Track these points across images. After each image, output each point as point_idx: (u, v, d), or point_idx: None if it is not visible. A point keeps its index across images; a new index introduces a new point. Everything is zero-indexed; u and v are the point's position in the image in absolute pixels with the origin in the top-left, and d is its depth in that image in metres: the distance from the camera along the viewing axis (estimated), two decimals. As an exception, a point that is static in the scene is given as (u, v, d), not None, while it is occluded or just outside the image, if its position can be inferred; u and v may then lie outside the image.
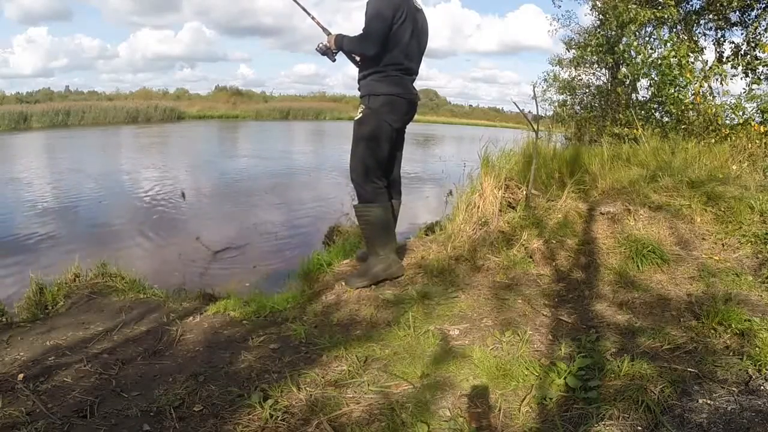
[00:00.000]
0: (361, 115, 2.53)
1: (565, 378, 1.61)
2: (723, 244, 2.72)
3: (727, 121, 5.31)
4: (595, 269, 2.58)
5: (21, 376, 1.79)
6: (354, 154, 2.57)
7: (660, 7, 6.30)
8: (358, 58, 2.61)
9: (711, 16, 6.55)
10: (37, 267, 3.43)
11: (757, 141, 4.56)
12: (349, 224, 4.42)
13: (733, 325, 1.86)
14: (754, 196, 2.95)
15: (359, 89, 2.59)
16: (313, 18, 2.76)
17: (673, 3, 6.21)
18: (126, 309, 2.62)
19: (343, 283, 2.65)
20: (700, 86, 5.53)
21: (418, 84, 2.71)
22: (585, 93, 8.95)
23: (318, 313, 2.40)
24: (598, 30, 7.80)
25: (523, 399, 1.57)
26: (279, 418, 1.49)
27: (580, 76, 8.96)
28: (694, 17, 6.65)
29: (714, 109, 5.35)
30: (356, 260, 3.03)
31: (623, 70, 6.76)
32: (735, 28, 6.62)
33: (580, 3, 14.54)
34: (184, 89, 46.16)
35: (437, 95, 64.35)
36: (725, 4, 6.15)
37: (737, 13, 6.44)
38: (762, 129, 4.81)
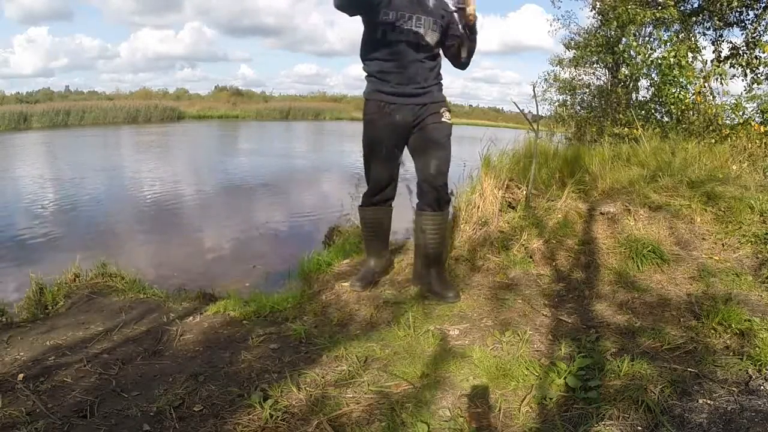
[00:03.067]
0: (449, 121, 2.37)
1: (565, 378, 1.61)
2: (723, 244, 2.72)
3: (727, 121, 5.31)
4: (595, 269, 2.58)
5: (21, 376, 1.78)
6: (446, 160, 2.37)
7: (659, 8, 6.31)
8: (462, 53, 2.32)
9: (706, 15, 6.55)
10: (37, 267, 3.42)
11: (757, 141, 4.56)
12: (349, 224, 4.42)
13: (733, 325, 1.86)
14: (754, 196, 2.95)
15: (428, 88, 2.33)
16: None
17: (672, 3, 6.22)
18: (126, 309, 2.62)
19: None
20: (701, 86, 5.54)
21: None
22: (585, 93, 8.96)
23: (318, 313, 2.40)
24: (598, 30, 7.81)
25: (523, 399, 1.57)
26: (279, 418, 1.49)
27: (580, 76, 8.98)
28: (693, 18, 6.66)
29: (714, 109, 5.35)
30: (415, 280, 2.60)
31: (623, 70, 6.76)
32: (732, 28, 6.63)
33: (581, 7, 14.60)
34: (184, 89, 46.31)
35: (437, 95, 64.21)
36: (725, 4, 6.16)
37: (735, 13, 6.45)
38: (762, 129, 4.81)
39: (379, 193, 2.47)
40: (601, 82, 8.71)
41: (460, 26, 2.26)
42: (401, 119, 2.31)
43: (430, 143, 2.33)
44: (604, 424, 1.39)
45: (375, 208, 2.53)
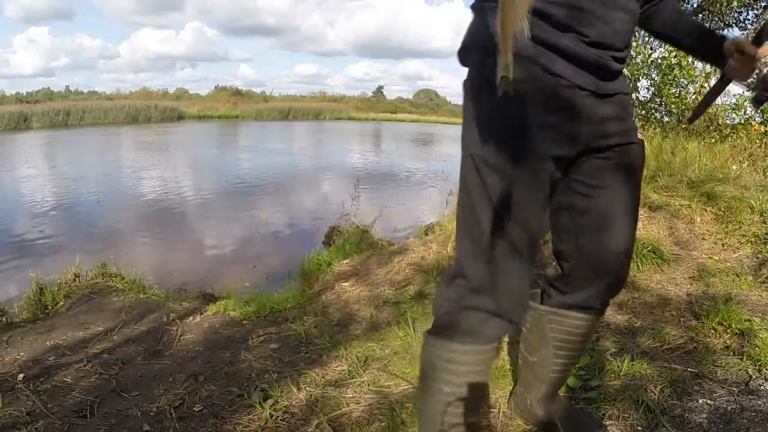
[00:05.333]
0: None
1: (565, 378, 1.61)
2: (723, 244, 2.72)
3: (728, 121, 5.31)
4: (595, 269, 2.57)
5: (21, 376, 1.79)
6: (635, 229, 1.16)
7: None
8: None
9: (706, 15, 6.55)
10: (37, 267, 3.43)
11: (757, 141, 4.56)
12: (349, 224, 4.42)
13: (733, 325, 1.86)
14: (754, 196, 2.95)
15: (621, 69, 1.01)
16: None
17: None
18: (126, 309, 2.62)
19: None
20: (701, 86, 5.54)
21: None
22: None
23: (318, 313, 2.40)
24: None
25: (523, 399, 1.56)
26: (279, 418, 1.49)
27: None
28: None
29: (714, 109, 5.35)
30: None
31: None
32: (732, 28, 6.63)
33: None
34: (184, 89, 46.49)
35: (437, 95, 64.48)
36: (724, 4, 6.16)
37: (735, 13, 6.45)
38: (762, 129, 4.81)
39: (500, 305, 0.95)
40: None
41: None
42: (590, 117, 0.95)
43: (622, 192, 1.07)
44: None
45: (478, 353, 0.98)
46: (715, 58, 1.11)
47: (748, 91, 1.22)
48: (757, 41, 1.06)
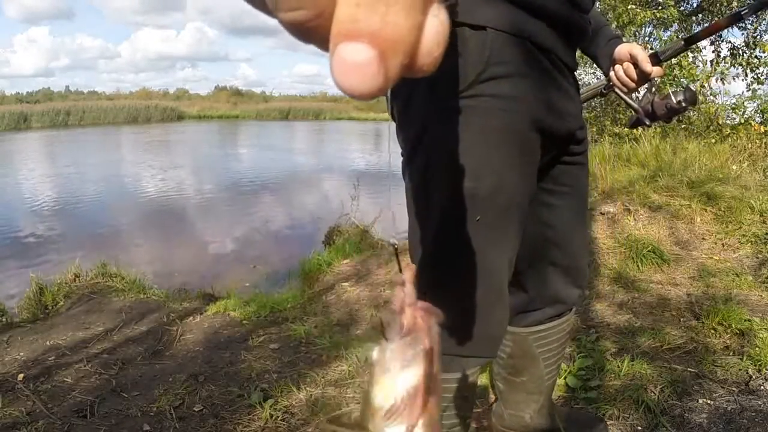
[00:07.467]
0: None
1: (565, 378, 1.61)
2: (723, 244, 2.72)
3: (728, 121, 5.32)
4: (595, 269, 2.58)
5: (21, 376, 1.79)
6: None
7: (659, 8, 6.31)
8: None
9: (707, 15, 6.56)
10: (37, 267, 3.43)
11: (757, 141, 4.57)
12: (349, 224, 4.42)
13: (733, 325, 1.86)
14: (754, 196, 2.95)
15: None
16: None
17: (672, 3, 6.22)
18: (126, 309, 2.62)
19: None
20: (701, 86, 5.54)
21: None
22: (585, 92, 8.95)
23: (318, 313, 2.40)
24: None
25: (523, 399, 1.56)
26: (279, 418, 1.49)
27: (580, 75, 8.98)
28: (692, 18, 6.67)
29: (714, 109, 5.35)
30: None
31: (623, 70, 6.75)
32: (732, 28, 6.63)
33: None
34: (184, 89, 46.59)
35: (437, 95, 64.48)
36: (724, 4, 6.16)
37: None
38: (762, 129, 4.82)
39: (473, 349, 0.83)
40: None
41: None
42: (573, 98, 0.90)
43: (582, 195, 1.05)
44: (604, 424, 1.38)
45: (455, 381, 0.87)
46: (603, 58, 1.09)
47: (628, 107, 1.22)
48: (655, 59, 1.06)
